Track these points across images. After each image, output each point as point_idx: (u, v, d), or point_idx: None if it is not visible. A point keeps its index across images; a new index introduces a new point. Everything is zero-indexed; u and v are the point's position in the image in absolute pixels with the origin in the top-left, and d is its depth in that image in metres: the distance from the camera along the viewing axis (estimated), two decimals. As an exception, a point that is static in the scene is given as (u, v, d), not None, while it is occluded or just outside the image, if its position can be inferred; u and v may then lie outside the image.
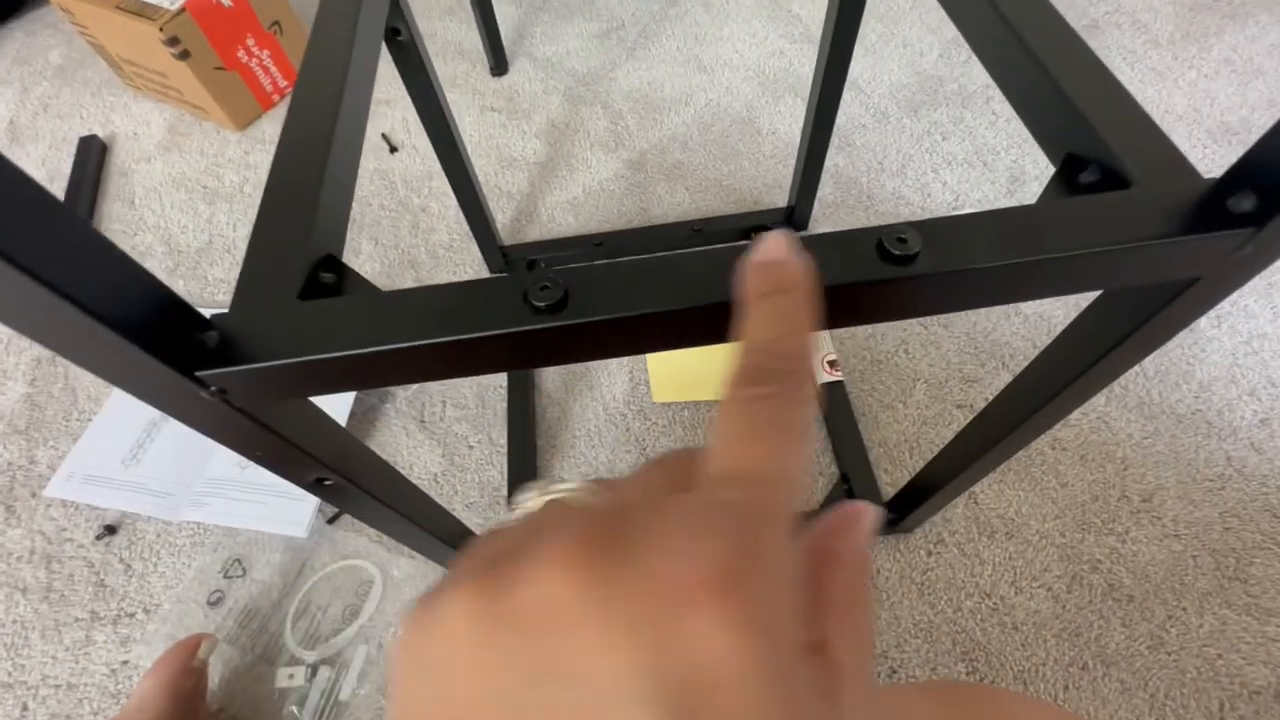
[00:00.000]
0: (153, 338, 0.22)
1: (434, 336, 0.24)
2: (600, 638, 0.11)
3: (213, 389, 0.25)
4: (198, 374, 0.24)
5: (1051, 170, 0.31)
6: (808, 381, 0.15)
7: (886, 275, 0.24)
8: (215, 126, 1.08)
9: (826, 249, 0.25)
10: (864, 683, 0.13)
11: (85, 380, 0.82)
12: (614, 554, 0.11)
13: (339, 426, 0.34)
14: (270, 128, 1.08)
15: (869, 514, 0.16)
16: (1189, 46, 1.03)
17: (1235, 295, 0.78)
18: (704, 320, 0.24)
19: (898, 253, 0.24)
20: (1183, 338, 0.76)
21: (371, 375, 0.26)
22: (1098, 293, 0.33)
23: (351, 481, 0.35)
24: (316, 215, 0.29)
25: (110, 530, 0.71)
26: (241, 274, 0.27)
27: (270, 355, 0.24)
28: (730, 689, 0.10)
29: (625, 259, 0.25)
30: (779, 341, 0.16)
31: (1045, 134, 0.32)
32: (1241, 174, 0.25)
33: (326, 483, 0.34)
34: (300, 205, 0.29)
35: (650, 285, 0.24)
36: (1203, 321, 0.76)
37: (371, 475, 0.37)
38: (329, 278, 0.29)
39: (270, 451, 0.30)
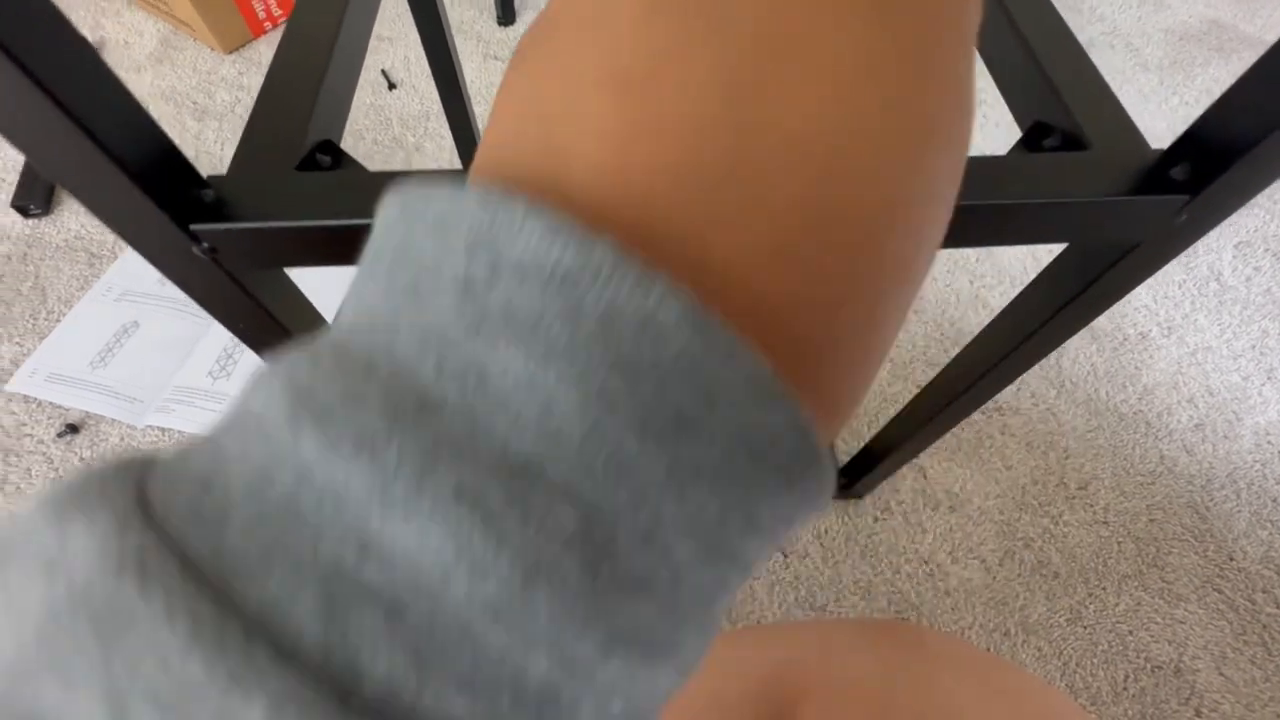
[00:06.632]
0: (152, 182, 0.23)
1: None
2: None
3: (205, 245, 0.26)
4: (192, 228, 0.25)
5: (1020, 136, 0.33)
6: None
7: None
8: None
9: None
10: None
11: (57, 282, 0.81)
12: None
13: (322, 317, 0.35)
14: (268, 51, 1.06)
15: None
16: (1175, 74, 1.07)
17: (1187, 309, 0.82)
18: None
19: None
20: (1135, 343, 0.80)
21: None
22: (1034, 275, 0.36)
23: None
24: (319, 98, 0.30)
25: (72, 429, 0.71)
26: (240, 143, 0.28)
27: (264, 217, 0.25)
28: None
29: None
30: None
31: (1017, 101, 0.34)
32: (1182, 147, 0.27)
33: (304, 370, 0.35)
34: (304, 86, 0.30)
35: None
36: (1154, 330, 0.80)
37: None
38: (326, 160, 0.29)
39: (253, 324, 0.31)
